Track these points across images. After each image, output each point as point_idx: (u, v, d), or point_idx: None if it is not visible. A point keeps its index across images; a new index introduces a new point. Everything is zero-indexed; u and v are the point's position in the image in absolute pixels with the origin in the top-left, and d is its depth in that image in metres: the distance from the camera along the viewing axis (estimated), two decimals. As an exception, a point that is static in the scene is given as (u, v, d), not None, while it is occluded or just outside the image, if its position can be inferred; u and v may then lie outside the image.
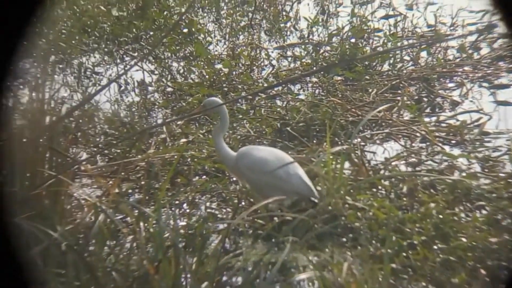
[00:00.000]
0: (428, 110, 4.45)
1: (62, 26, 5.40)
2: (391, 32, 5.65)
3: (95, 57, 5.57)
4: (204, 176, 3.56)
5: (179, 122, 4.25)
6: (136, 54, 5.63)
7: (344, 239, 2.80)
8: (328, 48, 5.46)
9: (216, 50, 5.75)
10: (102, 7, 6.03)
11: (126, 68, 5.27)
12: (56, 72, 4.83)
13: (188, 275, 2.03)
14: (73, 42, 5.49)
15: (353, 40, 5.46)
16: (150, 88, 5.05)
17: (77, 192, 2.85)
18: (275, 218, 2.86)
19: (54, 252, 2.27)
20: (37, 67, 2.84)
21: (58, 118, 2.75)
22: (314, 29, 6.05)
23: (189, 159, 3.68)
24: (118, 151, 3.77)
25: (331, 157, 3.17)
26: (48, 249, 2.27)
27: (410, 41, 5.62)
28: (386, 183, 3.34)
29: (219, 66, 5.18)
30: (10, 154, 2.48)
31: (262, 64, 5.44)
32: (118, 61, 5.56)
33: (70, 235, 2.40)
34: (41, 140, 2.59)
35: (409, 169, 3.58)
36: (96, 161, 3.81)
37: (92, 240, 2.31)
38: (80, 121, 3.49)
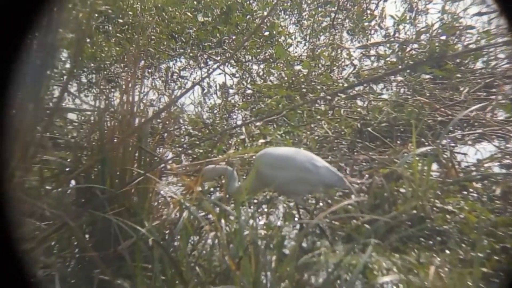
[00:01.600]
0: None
1: (151, 33, 5.67)
2: (485, 29, 5.35)
3: (181, 61, 5.79)
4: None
5: (257, 123, 4.30)
6: (218, 58, 5.77)
7: (431, 243, 2.69)
8: (415, 46, 5.28)
9: (296, 52, 5.75)
10: (189, 13, 6.26)
11: (209, 72, 5.42)
12: (145, 76, 5.10)
13: (268, 273, 2.04)
14: (161, 47, 5.75)
15: (443, 38, 5.23)
16: (231, 91, 5.16)
17: (163, 190, 2.96)
18: (354, 220, 2.80)
19: (141, 247, 2.37)
20: (128, 72, 2.99)
21: (146, 120, 2.87)
22: (400, 27, 5.88)
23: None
24: (201, 151, 3.88)
25: (417, 158, 3.06)
26: (136, 244, 2.38)
27: (506, 39, 5.29)
28: (478, 185, 3.17)
29: (298, 67, 5.18)
30: (101, 153, 2.63)
31: (343, 64, 5.36)
32: (202, 65, 5.73)
33: (157, 231, 2.50)
34: (130, 140, 2.72)
35: (503, 171, 3.38)
36: (181, 161, 3.95)
37: (177, 236, 2.39)
38: (167, 122, 3.63)
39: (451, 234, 2.73)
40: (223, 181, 3.44)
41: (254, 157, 3.15)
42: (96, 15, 5.50)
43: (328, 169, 2.83)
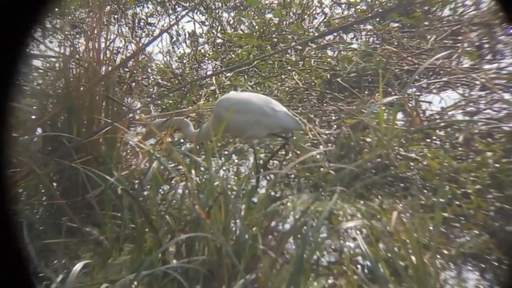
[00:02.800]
0: (489, 57, 4.24)
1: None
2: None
3: (148, 7, 5.63)
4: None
5: (228, 74, 4.27)
6: (187, 4, 5.62)
7: (394, 189, 2.78)
8: (385, -8, 5.25)
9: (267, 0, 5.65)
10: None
11: (177, 19, 5.30)
12: (111, 22, 4.94)
13: (238, 221, 2.09)
14: (127, -8, 5.55)
15: (411, -16, 5.20)
16: (200, 40, 5.07)
17: (132, 140, 2.94)
18: (322, 169, 2.87)
19: (110, 196, 2.38)
20: (93, 17, 2.89)
21: (113, 68, 2.81)
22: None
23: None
24: (170, 101, 3.85)
25: (383, 107, 3.11)
26: (105, 193, 2.39)
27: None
28: (442, 133, 3.26)
29: (269, 16, 5.11)
30: (67, 101, 2.58)
31: (314, 12, 5.31)
32: (170, 11, 5.58)
33: (126, 180, 2.50)
34: (97, 88, 2.67)
35: (467, 118, 3.47)
36: (149, 111, 3.92)
37: (146, 185, 2.40)
38: (134, 71, 3.56)
39: (414, 180, 2.82)
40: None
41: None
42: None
43: (286, 113, 2.90)
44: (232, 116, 2.70)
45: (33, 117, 2.63)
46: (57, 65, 2.85)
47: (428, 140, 3.23)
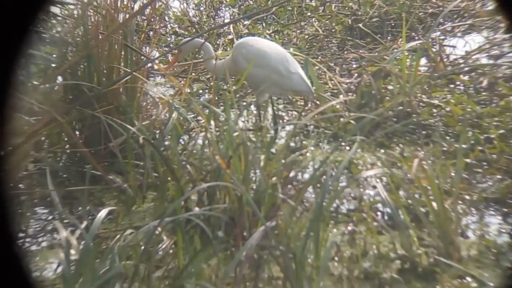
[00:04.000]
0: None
1: None
2: None
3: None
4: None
5: (246, 22, 4.18)
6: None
7: (416, 137, 2.75)
8: None
9: None
10: None
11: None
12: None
13: (257, 171, 2.10)
14: None
15: None
16: (218, -14, 4.94)
17: (151, 90, 2.94)
18: (342, 119, 2.84)
19: (132, 145, 2.41)
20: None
21: (131, 15, 2.77)
22: None
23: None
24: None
25: (406, 53, 3.03)
26: (127, 141, 2.41)
27: None
28: (465, 78, 3.18)
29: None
30: (86, 50, 2.57)
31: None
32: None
33: (147, 130, 2.52)
34: (115, 37, 2.65)
35: (491, 61, 3.38)
36: (167, 61, 3.89)
37: (167, 135, 2.42)
38: (152, 19, 3.51)
39: (436, 127, 2.79)
40: (212, 84, 3.42)
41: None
42: None
43: (300, 77, 2.78)
44: (246, 65, 2.67)
45: (53, 65, 2.63)
46: (75, 12, 2.82)
47: (452, 86, 3.17)
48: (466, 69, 3.31)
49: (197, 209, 2.07)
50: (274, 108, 2.97)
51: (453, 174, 2.23)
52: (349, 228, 2.11)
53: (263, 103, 2.91)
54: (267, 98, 2.90)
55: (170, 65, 3.11)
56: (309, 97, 2.94)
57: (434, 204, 1.93)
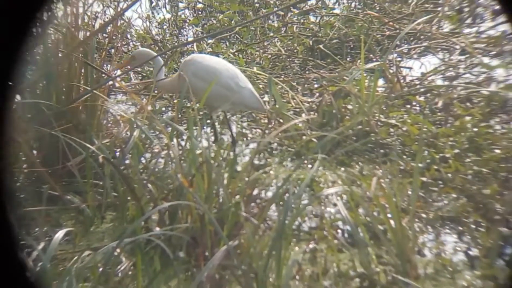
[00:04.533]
0: (468, 21, 4.25)
1: None
2: None
3: (126, -29, 5.46)
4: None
5: (209, 41, 4.21)
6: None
7: (375, 155, 2.81)
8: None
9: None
10: None
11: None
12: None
13: (221, 189, 2.10)
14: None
15: None
16: (181, 5, 4.97)
17: (112, 108, 2.90)
18: (304, 137, 2.88)
19: (92, 164, 2.37)
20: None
21: (92, 33, 2.75)
22: None
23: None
24: (151, 69, 3.80)
25: (364, 74, 3.11)
26: (86, 161, 2.37)
27: None
28: (421, 98, 3.29)
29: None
30: (46, 68, 2.53)
31: (297, -24, 5.22)
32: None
33: (107, 148, 2.48)
34: (76, 54, 2.62)
35: (446, 83, 3.50)
36: (129, 78, 3.86)
37: (128, 154, 2.39)
38: (113, 37, 3.48)
39: (394, 146, 2.86)
40: (175, 101, 3.42)
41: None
42: None
43: (250, 91, 2.85)
44: (197, 83, 2.72)
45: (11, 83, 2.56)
46: (34, 30, 2.77)
47: (408, 106, 3.26)
48: (422, 90, 3.41)
49: (158, 229, 2.05)
50: (235, 125, 3.00)
51: (410, 192, 2.29)
52: (311, 246, 2.13)
53: (215, 118, 2.93)
54: (220, 113, 2.93)
55: (120, 66, 3.10)
56: (260, 111, 3.01)
57: (392, 222, 1.98)
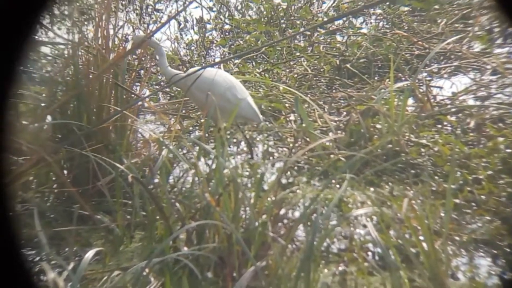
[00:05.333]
0: (499, 41, 4.19)
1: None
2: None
3: (156, -7, 5.59)
4: (261, 116, 3.58)
5: (236, 61, 4.24)
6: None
7: (405, 176, 2.76)
8: (396, -24, 5.18)
9: (276, -17, 5.59)
10: None
11: (185, 5, 5.27)
12: (119, 9, 4.92)
13: (247, 208, 2.09)
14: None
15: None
16: (208, 26, 5.04)
17: (141, 128, 2.94)
18: (332, 156, 2.86)
19: (121, 183, 2.39)
20: (101, 3, 2.88)
21: (122, 54, 2.80)
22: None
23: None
24: (179, 89, 3.84)
25: (393, 93, 3.08)
26: (115, 180, 2.39)
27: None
28: (453, 118, 3.23)
29: (278, 1, 5.06)
30: (76, 89, 2.58)
31: (324, -4, 5.26)
32: (180, -3, 5.56)
33: (136, 168, 2.51)
34: (106, 76, 2.67)
35: (478, 103, 3.44)
36: (158, 99, 3.91)
37: (156, 173, 2.40)
38: (143, 58, 3.55)
39: (425, 166, 2.80)
40: (202, 121, 3.44)
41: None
42: None
43: (248, 103, 2.94)
44: (196, 91, 2.87)
45: (43, 104, 2.63)
46: (66, 52, 2.84)
47: (439, 126, 3.21)
48: (453, 109, 3.36)
49: (185, 248, 2.04)
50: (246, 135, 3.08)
51: (442, 214, 2.23)
52: (340, 268, 2.09)
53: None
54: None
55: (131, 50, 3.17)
56: (257, 122, 3.07)
57: (424, 244, 1.93)
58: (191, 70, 3.09)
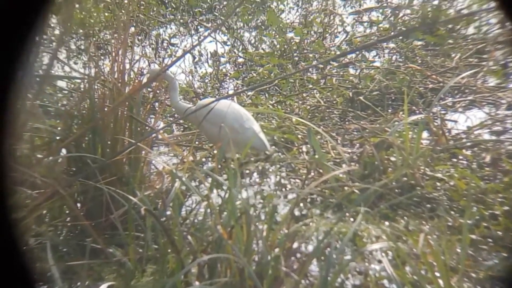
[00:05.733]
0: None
1: (142, -2, 5.57)
2: (477, -6, 5.31)
3: (171, 28, 5.71)
4: (274, 147, 3.59)
5: (249, 93, 4.28)
6: (209, 24, 5.69)
7: (421, 210, 2.73)
8: (408, 11, 5.25)
9: (289, 18, 5.69)
10: (179, -21, 6.14)
11: (200, 39, 5.36)
12: (135, 43, 5.02)
13: (260, 241, 2.06)
14: (151, 13, 5.65)
15: (435, 2, 5.20)
16: (222, 59, 5.11)
17: (155, 160, 2.96)
18: (345, 188, 2.83)
19: (134, 216, 2.39)
20: (118, 38, 2.94)
21: (138, 88, 2.84)
22: (394, -9, 5.83)
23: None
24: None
25: (408, 126, 3.07)
26: (128, 213, 2.39)
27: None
28: (468, 152, 3.20)
29: (291, 34, 5.13)
30: (92, 122, 2.61)
31: (336, 31, 5.32)
32: (193, 32, 5.66)
33: (149, 200, 2.51)
34: (121, 109, 2.70)
35: (493, 137, 3.41)
36: (172, 130, 3.94)
37: (169, 205, 2.40)
38: (157, 91, 3.60)
39: (441, 201, 2.77)
40: (215, 152, 3.46)
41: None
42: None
43: (254, 132, 3.00)
44: (205, 125, 2.96)
45: (58, 138, 2.66)
46: (81, 86, 2.89)
47: (455, 160, 3.18)
48: (469, 144, 3.33)
49: (197, 283, 2.02)
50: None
51: (458, 250, 2.19)
52: (355, 305, 2.04)
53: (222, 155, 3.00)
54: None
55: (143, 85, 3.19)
56: (264, 150, 3.11)
57: (440, 281, 1.88)
58: (200, 102, 3.14)
